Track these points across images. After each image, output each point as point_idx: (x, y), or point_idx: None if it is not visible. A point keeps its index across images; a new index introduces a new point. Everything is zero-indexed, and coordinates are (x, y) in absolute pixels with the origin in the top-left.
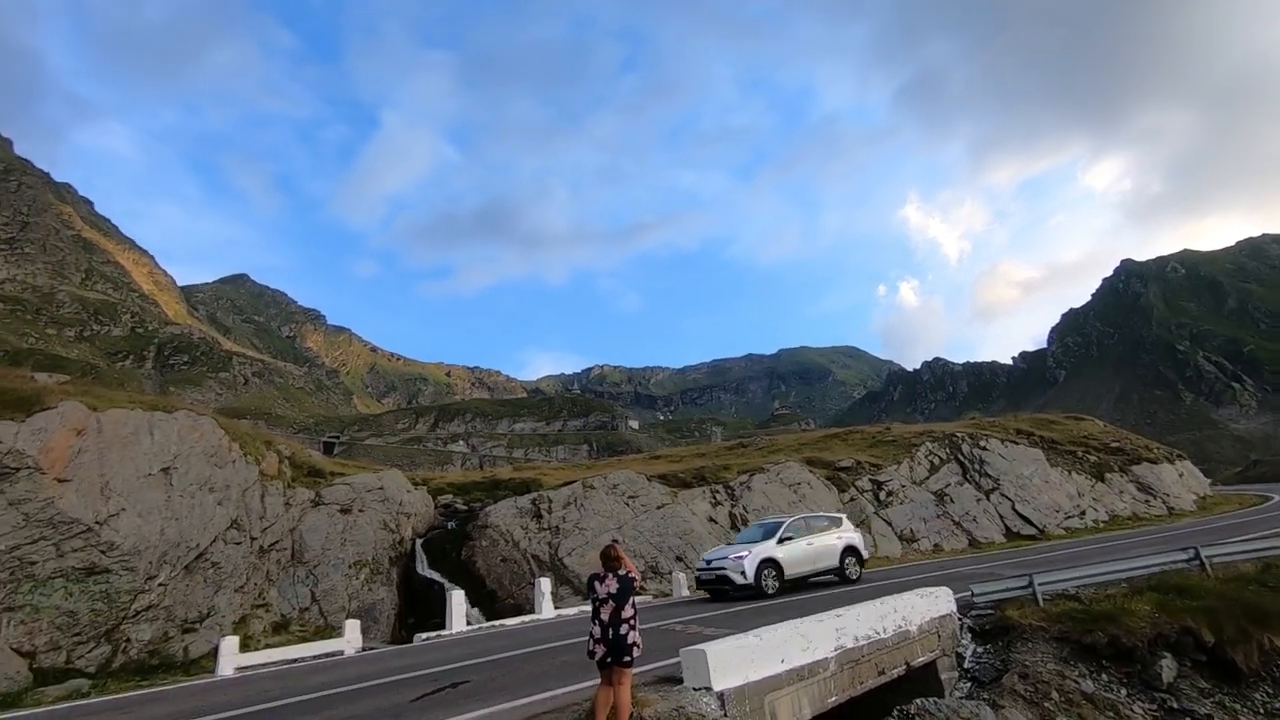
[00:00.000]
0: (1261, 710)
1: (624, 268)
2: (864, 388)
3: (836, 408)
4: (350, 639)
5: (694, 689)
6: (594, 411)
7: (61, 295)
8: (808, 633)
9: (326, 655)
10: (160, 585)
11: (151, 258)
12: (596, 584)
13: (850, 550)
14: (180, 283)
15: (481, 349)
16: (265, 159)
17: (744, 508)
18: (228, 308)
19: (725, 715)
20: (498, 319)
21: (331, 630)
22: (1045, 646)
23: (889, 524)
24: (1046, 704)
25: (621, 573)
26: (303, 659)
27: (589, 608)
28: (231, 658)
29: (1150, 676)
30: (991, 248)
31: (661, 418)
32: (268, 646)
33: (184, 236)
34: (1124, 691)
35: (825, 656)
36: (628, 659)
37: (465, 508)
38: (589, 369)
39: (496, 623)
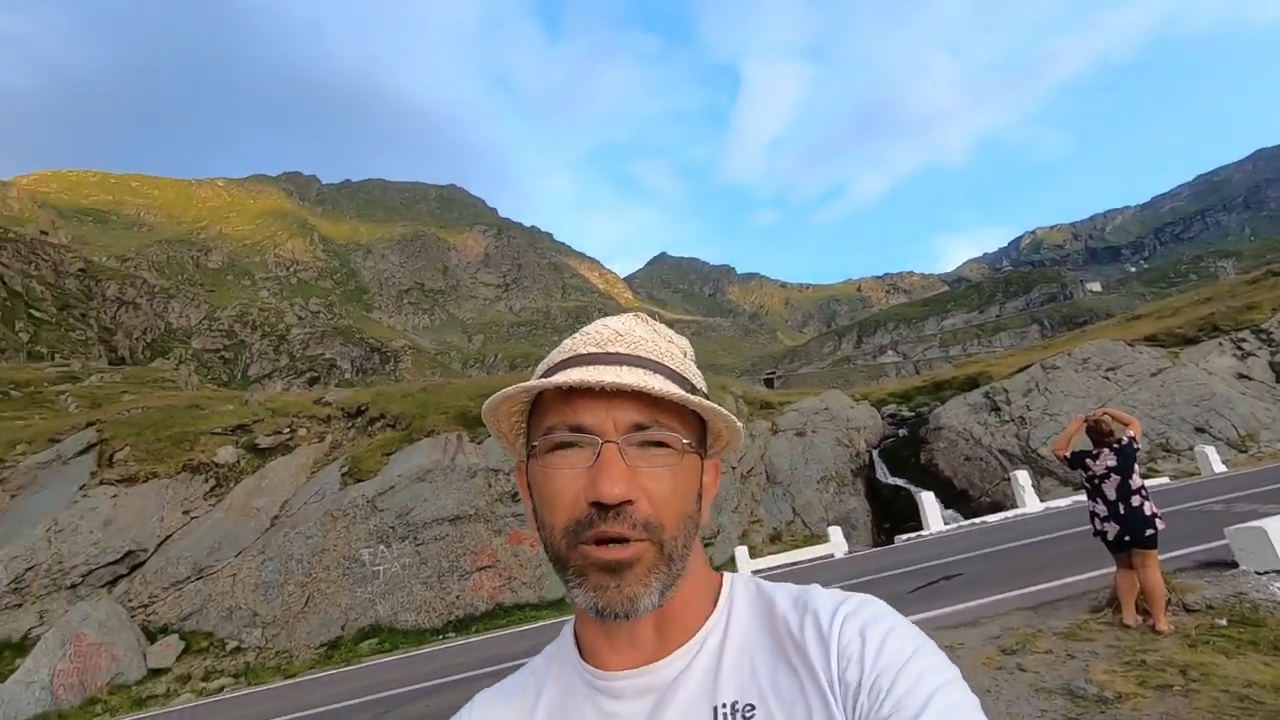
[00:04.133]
0: None
1: (1036, 111)
2: None
3: None
4: (836, 543)
5: (1257, 572)
6: (1036, 285)
7: (553, 310)
8: None
9: (819, 558)
10: None
11: (599, 263)
12: (1089, 461)
13: None
14: (621, 275)
15: (887, 255)
16: (660, 152)
17: None
18: (659, 284)
19: None
20: (897, 220)
21: (816, 538)
22: None
23: None
24: None
25: (1116, 444)
26: (800, 561)
27: (1083, 495)
28: (745, 563)
29: None
30: None
31: (1131, 270)
32: (769, 554)
33: (613, 236)
34: None
35: None
36: (1151, 532)
37: (912, 413)
38: (1018, 239)
39: (976, 520)
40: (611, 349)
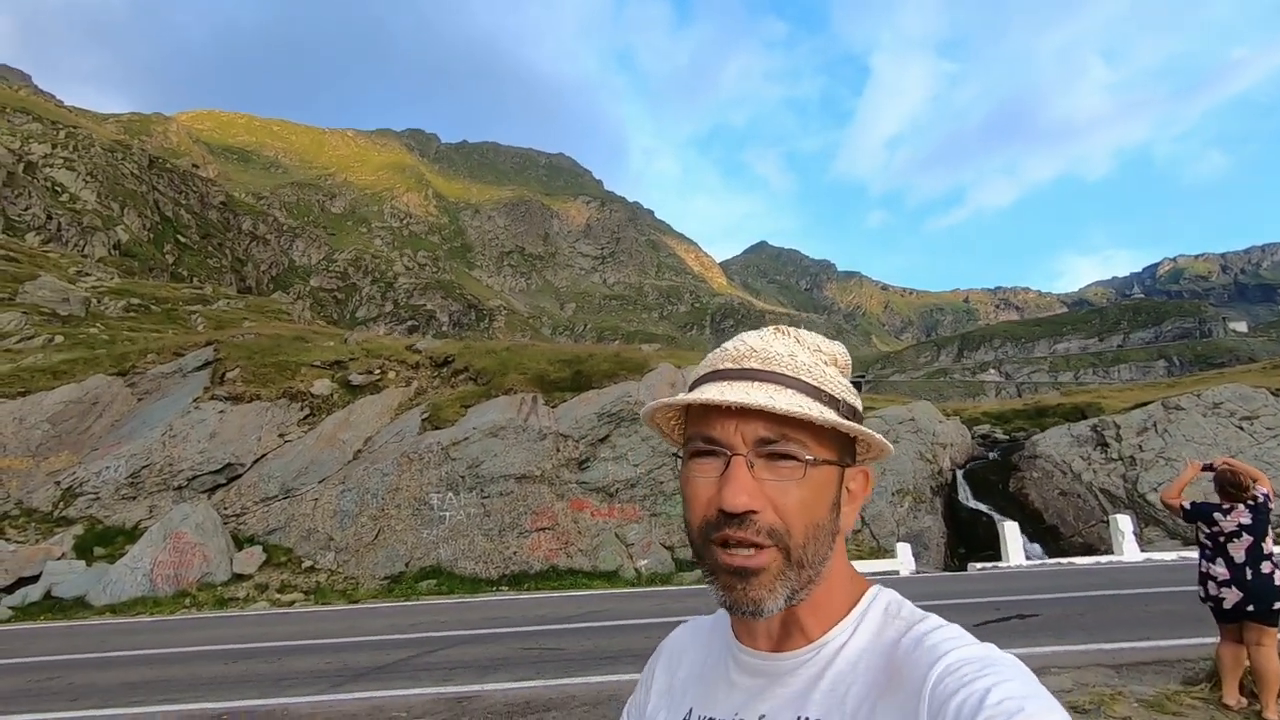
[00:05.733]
0: None
1: (1197, 125)
2: None
3: None
4: (903, 561)
5: None
6: (1170, 317)
7: (646, 287)
8: None
9: (881, 573)
10: None
11: (696, 245)
12: (1218, 515)
13: None
14: (718, 260)
15: (1002, 267)
16: (773, 141)
17: None
18: (754, 273)
19: None
20: (1019, 232)
21: (884, 552)
22: None
23: None
24: None
25: (1253, 500)
26: (863, 575)
27: (1196, 551)
28: None
29: None
30: None
31: None
32: None
33: (714, 220)
34: None
35: None
36: (1279, 607)
37: (1006, 437)
38: (1153, 265)
39: (1063, 560)
40: (746, 364)
